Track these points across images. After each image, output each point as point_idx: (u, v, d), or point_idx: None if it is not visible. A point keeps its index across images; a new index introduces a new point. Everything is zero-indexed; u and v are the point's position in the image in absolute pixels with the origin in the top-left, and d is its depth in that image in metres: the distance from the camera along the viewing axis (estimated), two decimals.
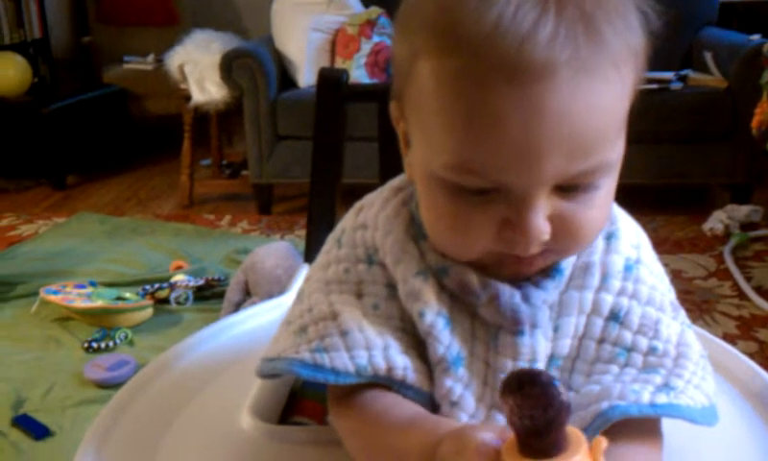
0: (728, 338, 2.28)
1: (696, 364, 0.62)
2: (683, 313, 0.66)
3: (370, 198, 0.68)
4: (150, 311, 2.42)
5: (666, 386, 0.59)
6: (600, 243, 0.64)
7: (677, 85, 3.28)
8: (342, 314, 0.61)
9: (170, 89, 3.61)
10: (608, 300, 0.62)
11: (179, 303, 2.50)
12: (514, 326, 0.60)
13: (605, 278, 0.63)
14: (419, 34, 0.54)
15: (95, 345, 2.22)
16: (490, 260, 0.58)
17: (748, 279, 2.66)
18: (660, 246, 2.96)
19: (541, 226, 0.53)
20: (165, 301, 2.50)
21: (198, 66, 3.40)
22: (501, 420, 0.60)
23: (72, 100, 3.95)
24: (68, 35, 4.53)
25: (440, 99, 0.53)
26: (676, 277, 2.71)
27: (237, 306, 2.26)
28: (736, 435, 0.75)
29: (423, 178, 0.57)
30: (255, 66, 3.27)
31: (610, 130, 0.53)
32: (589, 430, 0.56)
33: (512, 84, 0.49)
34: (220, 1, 4.75)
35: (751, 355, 2.17)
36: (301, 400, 0.81)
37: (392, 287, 0.62)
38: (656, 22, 0.57)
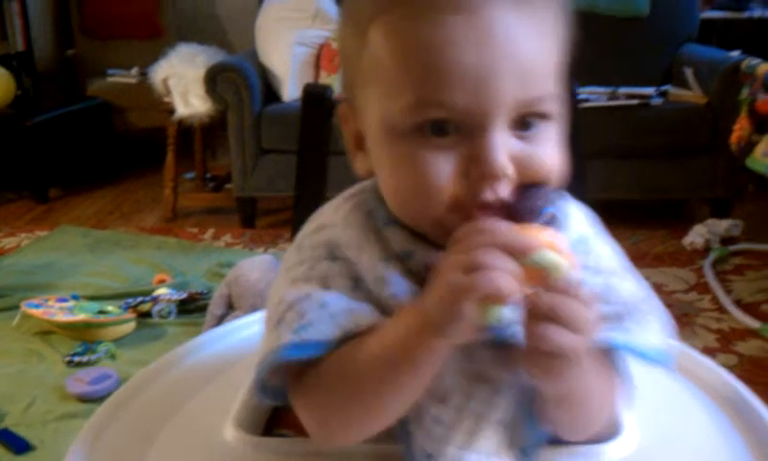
0: (708, 351, 2.30)
1: (649, 313, 0.66)
2: (635, 275, 0.69)
3: (323, 208, 0.69)
4: (132, 325, 2.41)
5: (621, 328, 0.63)
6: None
7: (657, 101, 3.31)
8: (315, 293, 0.62)
9: (154, 103, 3.61)
10: None
11: (161, 316, 2.49)
12: None
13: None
14: (365, 8, 0.59)
15: (77, 359, 2.21)
16: (454, 224, 0.57)
17: (728, 293, 2.68)
18: (641, 260, 2.99)
19: (503, 157, 0.56)
20: (148, 314, 2.49)
21: (182, 80, 3.40)
22: (482, 390, 0.62)
23: (55, 113, 3.94)
24: (52, 47, 4.52)
25: (395, 49, 0.57)
26: (656, 290, 2.68)
27: (220, 320, 2.26)
28: (711, 444, 0.76)
29: (384, 138, 0.59)
30: (240, 80, 3.28)
31: (551, 65, 0.59)
32: None
33: (460, 13, 0.54)
34: (204, 15, 4.76)
35: (730, 369, 2.18)
36: (285, 411, 0.82)
37: (355, 280, 0.63)
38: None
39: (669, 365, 0.65)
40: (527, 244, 0.53)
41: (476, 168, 0.56)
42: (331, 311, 0.60)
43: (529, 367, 0.56)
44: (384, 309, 0.61)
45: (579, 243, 0.66)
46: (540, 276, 0.53)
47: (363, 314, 0.61)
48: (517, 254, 0.52)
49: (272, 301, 0.65)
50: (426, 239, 0.61)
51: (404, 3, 0.57)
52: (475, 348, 0.61)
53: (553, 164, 0.60)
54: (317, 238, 0.66)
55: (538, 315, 0.53)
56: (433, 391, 0.61)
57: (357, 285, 0.63)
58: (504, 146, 0.56)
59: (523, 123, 0.58)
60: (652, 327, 0.65)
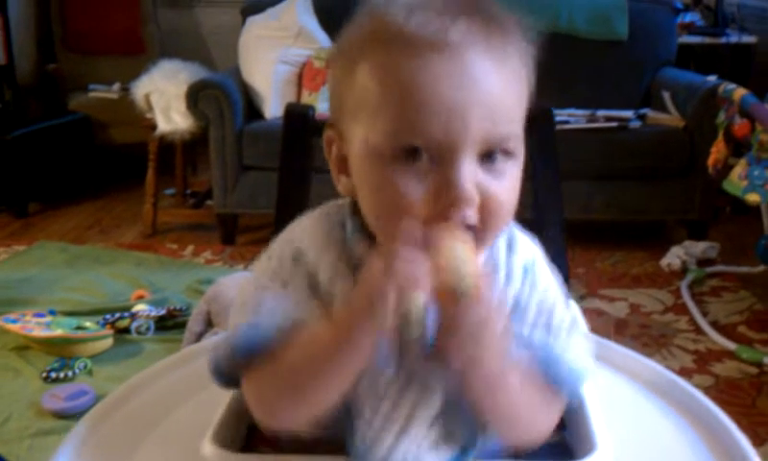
0: (684, 372, 2.32)
1: (577, 337, 0.73)
2: (574, 308, 0.77)
3: (298, 219, 0.76)
4: (110, 341, 2.39)
5: (548, 343, 0.71)
6: (503, 247, 0.74)
7: (636, 124, 3.35)
8: (273, 290, 0.70)
9: (135, 118, 3.60)
10: (510, 294, 0.72)
11: (139, 332, 2.48)
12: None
13: (508, 275, 0.73)
14: (354, 48, 0.66)
15: (54, 374, 2.19)
16: None
17: (704, 314, 2.71)
18: (619, 281, 3.01)
19: (470, 185, 0.62)
20: (126, 330, 2.48)
21: (164, 96, 3.40)
22: (414, 388, 0.69)
23: (36, 127, 3.92)
24: (34, 61, 4.50)
25: (380, 81, 0.63)
26: (634, 311, 2.75)
27: (199, 337, 2.25)
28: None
29: (365, 161, 0.65)
30: (222, 97, 3.28)
31: (518, 108, 0.66)
32: None
33: (439, 54, 0.62)
34: (187, 32, 4.78)
35: (706, 389, 2.21)
36: (263, 429, 0.82)
37: (313, 283, 0.70)
38: (534, 47, 0.68)
39: (580, 386, 0.73)
40: (439, 241, 0.60)
41: (446, 192, 0.62)
42: (283, 306, 0.68)
43: (446, 349, 0.63)
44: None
45: (525, 267, 0.74)
46: (449, 269, 0.59)
47: (311, 310, 0.68)
48: (430, 247, 0.60)
49: (236, 302, 0.72)
50: None
51: (390, 42, 0.63)
52: (408, 351, 0.68)
53: (511, 197, 0.66)
54: (285, 248, 0.73)
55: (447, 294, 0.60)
56: (372, 386, 0.69)
57: (315, 288, 0.70)
58: (471, 175, 0.62)
59: (489, 157, 0.64)
60: (577, 350, 0.73)
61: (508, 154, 0.65)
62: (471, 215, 0.63)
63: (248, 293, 0.71)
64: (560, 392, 0.72)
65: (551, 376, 0.71)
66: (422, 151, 0.62)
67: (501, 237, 0.74)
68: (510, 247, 0.74)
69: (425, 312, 0.59)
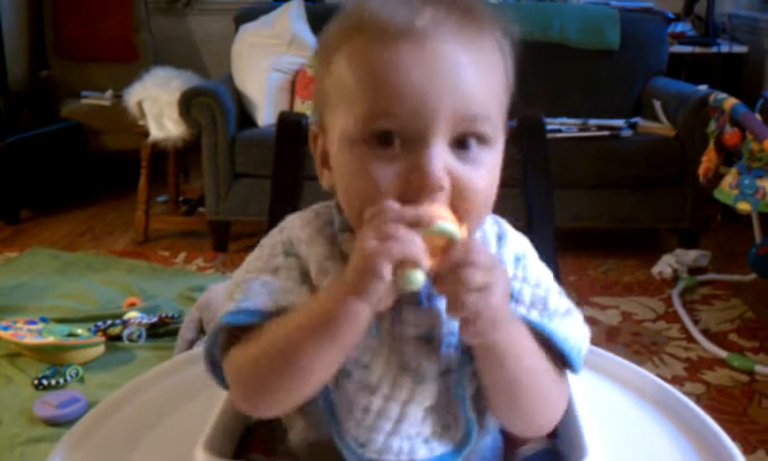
0: (676, 380, 2.32)
1: (579, 323, 0.74)
2: (568, 300, 0.76)
3: (292, 214, 0.78)
4: (101, 348, 2.39)
5: (548, 319, 0.72)
6: (493, 241, 0.75)
7: (627, 133, 3.36)
8: (261, 276, 0.70)
9: (128, 125, 3.60)
10: None
11: (131, 340, 2.47)
12: (412, 297, 0.68)
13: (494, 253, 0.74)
14: (331, 43, 0.69)
15: (45, 382, 2.18)
16: None
17: (696, 322, 2.72)
18: (611, 289, 3.02)
19: (439, 170, 0.63)
20: (117, 338, 2.47)
21: (156, 103, 3.40)
22: (407, 380, 0.69)
23: (28, 134, 3.91)
24: (26, 68, 4.49)
25: (354, 68, 0.65)
26: (626, 319, 2.76)
27: (191, 344, 2.25)
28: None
29: (341, 147, 0.67)
30: (214, 104, 3.28)
31: (492, 95, 0.67)
32: None
33: (410, 41, 0.63)
34: (180, 39, 4.78)
35: (698, 397, 2.22)
36: (255, 435, 0.82)
37: (304, 275, 0.71)
38: (511, 41, 0.70)
39: (579, 365, 0.73)
40: (427, 217, 0.61)
41: (415, 178, 0.63)
42: (270, 289, 0.69)
43: (459, 315, 0.63)
44: None
45: (517, 259, 0.75)
46: (441, 242, 0.61)
47: (299, 295, 0.69)
48: (420, 225, 0.61)
49: (228, 287, 0.73)
50: None
51: (364, 31, 0.65)
52: (399, 341, 0.69)
53: (486, 186, 0.67)
54: (277, 238, 0.74)
55: (450, 267, 0.61)
56: (362, 383, 0.68)
57: (305, 281, 0.70)
58: (441, 160, 0.63)
59: (462, 144, 0.65)
60: (576, 330, 0.74)
61: (482, 140, 0.66)
62: (441, 201, 0.64)
63: (238, 278, 0.72)
64: (564, 368, 0.73)
65: (554, 352, 0.71)
66: (394, 136, 0.64)
67: (491, 231, 0.76)
68: (500, 240, 0.76)
69: (424, 284, 0.61)
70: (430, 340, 0.69)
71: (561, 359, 0.72)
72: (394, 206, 0.61)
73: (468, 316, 0.62)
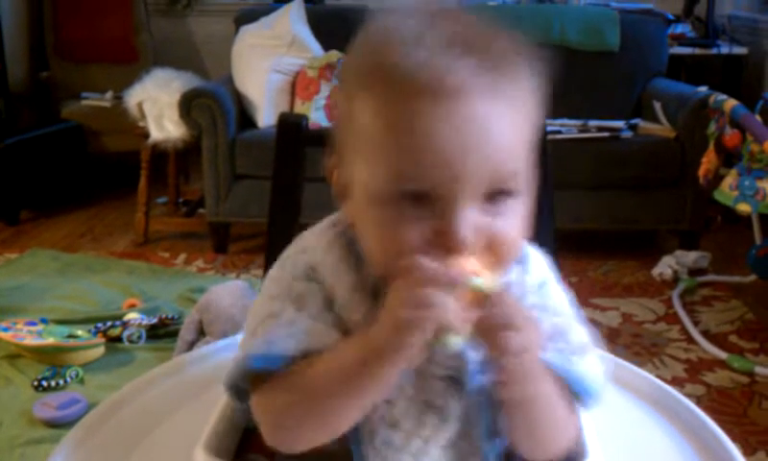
0: (676, 381, 2.33)
1: (592, 356, 0.73)
2: (584, 328, 0.75)
3: (310, 230, 0.75)
4: (101, 349, 2.39)
5: (568, 359, 0.71)
6: (514, 266, 0.72)
7: (627, 134, 3.37)
8: (285, 311, 0.68)
9: (128, 126, 3.60)
10: None
11: (131, 341, 2.47)
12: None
13: (521, 295, 0.72)
14: (353, 79, 0.65)
15: (45, 383, 2.18)
16: None
17: (696, 324, 2.72)
18: (611, 290, 3.02)
19: (466, 232, 0.61)
20: (117, 339, 2.48)
21: (157, 104, 3.40)
22: (431, 417, 0.69)
23: (29, 135, 3.91)
24: (26, 69, 4.49)
25: (378, 126, 0.61)
26: (626, 320, 2.76)
27: (191, 346, 2.25)
28: None
29: (364, 202, 0.64)
30: (215, 106, 3.28)
31: (523, 147, 0.64)
32: None
33: (439, 101, 0.59)
34: (180, 40, 4.78)
35: (698, 398, 2.22)
36: (255, 436, 0.82)
37: (329, 302, 0.69)
38: (543, 75, 0.66)
39: (590, 405, 0.73)
40: (461, 277, 0.59)
41: (444, 239, 0.61)
42: (296, 330, 0.66)
43: (496, 374, 0.63)
44: (349, 333, 0.67)
45: (539, 286, 0.74)
46: (474, 295, 0.60)
47: (324, 335, 0.66)
48: (454, 286, 0.59)
49: (252, 312, 0.71)
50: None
51: (388, 79, 0.61)
52: (426, 379, 0.68)
53: (517, 237, 0.65)
54: (299, 259, 0.71)
55: (487, 330, 0.61)
56: (385, 417, 0.68)
57: (329, 307, 0.68)
58: (470, 221, 0.61)
59: (492, 198, 0.62)
60: (593, 368, 0.73)
61: (511, 194, 0.63)
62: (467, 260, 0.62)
63: (262, 311, 0.69)
64: (577, 405, 0.73)
65: (570, 389, 0.71)
66: (421, 196, 0.61)
67: None
68: (523, 264, 0.74)
69: (461, 345, 0.60)
70: (456, 380, 0.69)
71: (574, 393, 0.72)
72: (427, 264, 0.59)
73: (505, 378, 0.62)
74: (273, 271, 0.73)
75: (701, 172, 2.78)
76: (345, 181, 0.68)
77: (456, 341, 0.59)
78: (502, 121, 0.61)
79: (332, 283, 0.69)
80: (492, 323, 0.60)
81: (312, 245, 0.72)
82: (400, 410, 0.68)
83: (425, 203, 0.61)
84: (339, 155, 0.69)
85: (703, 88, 3.30)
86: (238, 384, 0.70)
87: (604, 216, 3.34)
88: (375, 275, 0.67)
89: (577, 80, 3.64)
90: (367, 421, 0.68)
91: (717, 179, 2.70)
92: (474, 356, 0.68)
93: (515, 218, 0.64)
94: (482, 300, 0.60)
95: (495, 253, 0.63)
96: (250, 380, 0.68)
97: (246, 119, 3.51)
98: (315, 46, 3.65)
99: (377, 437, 0.69)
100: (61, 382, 2.20)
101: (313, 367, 0.65)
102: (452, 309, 0.58)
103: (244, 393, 0.70)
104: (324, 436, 0.66)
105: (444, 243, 0.61)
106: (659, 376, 0.98)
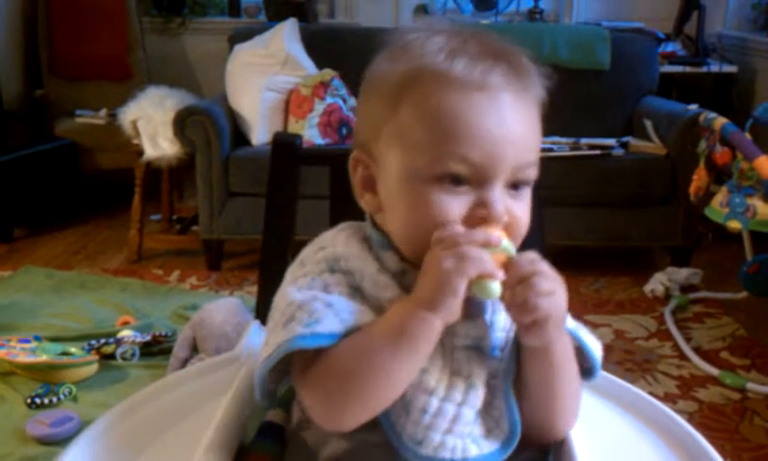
0: (668, 397, 2.33)
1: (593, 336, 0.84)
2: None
3: (321, 236, 0.83)
4: (95, 367, 2.38)
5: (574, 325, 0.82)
6: None
7: (618, 152, 3.39)
8: (319, 295, 0.74)
9: (122, 144, 3.60)
10: None
11: (125, 358, 2.47)
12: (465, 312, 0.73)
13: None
14: (396, 85, 0.74)
15: (38, 400, 2.18)
16: None
17: (688, 340, 2.73)
18: (603, 306, 3.03)
19: (502, 208, 0.72)
20: (111, 356, 2.47)
21: (151, 122, 3.41)
22: (460, 384, 0.76)
23: (23, 152, 3.91)
24: (20, 87, 4.50)
25: (427, 113, 0.72)
26: (618, 337, 2.77)
27: (184, 363, 2.25)
28: None
29: (403, 186, 0.74)
30: (209, 123, 3.29)
31: (538, 143, 0.77)
32: None
33: (484, 95, 0.72)
34: (174, 58, 4.80)
35: (690, 415, 2.23)
36: (250, 455, 0.83)
37: (354, 288, 0.76)
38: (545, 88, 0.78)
39: (598, 372, 0.84)
40: (495, 237, 0.71)
41: (481, 209, 0.72)
42: (336, 309, 0.73)
43: (522, 333, 0.73)
44: (381, 311, 0.74)
45: None
46: (502, 258, 0.71)
47: (363, 314, 0.74)
48: (489, 245, 0.70)
49: (279, 306, 0.76)
50: (414, 264, 0.75)
51: (437, 82, 0.72)
52: (452, 351, 0.75)
53: (528, 218, 0.77)
54: (319, 255, 0.79)
55: (520, 278, 0.71)
56: (421, 385, 0.74)
57: (355, 294, 0.76)
58: (502, 199, 0.73)
59: (514, 185, 0.74)
60: (593, 341, 0.84)
61: (527, 183, 0.76)
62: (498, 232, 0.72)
63: (292, 297, 0.75)
64: (583, 375, 0.82)
65: (579, 353, 0.81)
66: (463, 176, 0.72)
67: None
68: None
69: (499, 292, 0.70)
70: (479, 349, 0.76)
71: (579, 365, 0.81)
72: (463, 229, 0.71)
73: (540, 318, 0.71)
74: (292, 270, 0.80)
75: (692, 189, 2.80)
76: (371, 176, 0.78)
77: (495, 287, 0.69)
78: (528, 117, 0.74)
79: (359, 268, 0.76)
80: (524, 271, 0.70)
81: (329, 242, 0.80)
82: (435, 378, 0.74)
83: (463, 182, 0.72)
84: (367, 149, 0.78)
85: (693, 106, 3.32)
86: (267, 380, 0.75)
87: (596, 233, 3.36)
88: (406, 253, 0.76)
89: (568, 98, 3.66)
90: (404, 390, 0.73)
91: (708, 196, 2.72)
92: (495, 324, 0.78)
93: (526, 202, 0.76)
94: (507, 261, 0.71)
95: (512, 231, 0.74)
96: (296, 364, 0.74)
97: (240, 137, 3.52)
98: (309, 64, 3.66)
99: (413, 407, 0.74)
100: (55, 400, 2.20)
101: (362, 338, 0.71)
102: (489, 260, 0.69)
103: (269, 391, 0.77)
104: (376, 407, 0.72)
105: (483, 215, 0.72)
106: (651, 393, 0.99)
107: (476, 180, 0.72)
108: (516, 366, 0.78)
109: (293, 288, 0.76)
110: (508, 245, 0.71)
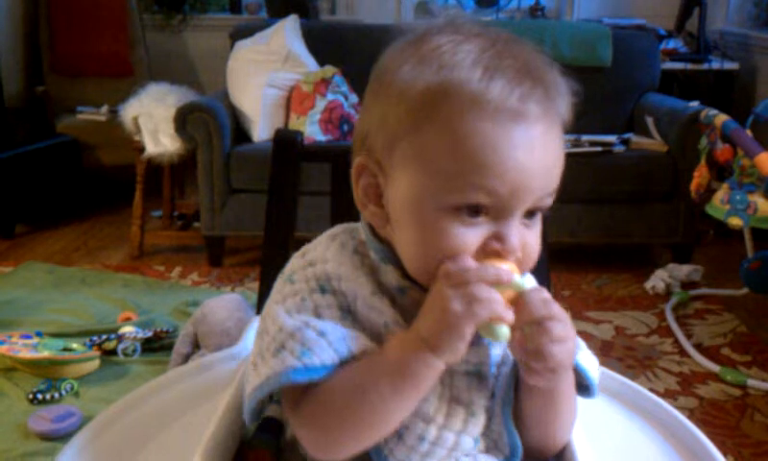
0: (669, 394, 2.34)
1: (591, 354, 0.80)
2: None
3: (312, 244, 0.78)
4: (97, 362, 2.39)
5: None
6: None
7: (620, 148, 3.38)
8: (311, 322, 0.70)
9: (123, 141, 3.60)
10: None
11: (126, 354, 2.48)
12: None
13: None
14: (420, 102, 0.67)
15: (40, 396, 2.18)
16: None
17: (688, 337, 2.73)
18: (604, 303, 3.03)
19: (518, 241, 0.68)
20: (112, 352, 2.48)
21: (152, 119, 3.41)
22: (459, 412, 0.73)
23: (24, 149, 3.91)
24: (22, 84, 4.50)
25: (454, 145, 0.66)
26: (619, 333, 2.77)
27: (186, 359, 2.26)
28: None
29: (417, 211, 0.68)
30: (210, 120, 3.29)
31: (561, 167, 0.71)
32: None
33: (519, 125, 0.66)
34: (176, 55, 4.80)
35: (691, 411, 2.23)
36: (250, 450, 0.83)
37: (345, 310, 0.72)
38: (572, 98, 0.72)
39: (596, 392, 0.79)
40: (506, 275, 0.66)
41: (496, 243, 0.68)
42: (329, 339, 0.69)
43: (529, 374, 0.70)
44: (374, 336, 0.71)
45: None
46: (511, 294, 0.67)
47: (356, 342, 0.70)
48: (500, 284, 0.66)
49: (268, 330, 0.72)
50: (416, 282, 0.71)
51: (470, 107, 0.66)
52: (451, 376, 0.72)
53: (539, 247, 0.73)
54: (309, 272, 0.74)
55: (532, 321, 0.67)
56: (419, 413, 0.71)
57: (346, 316, 0.72)
58: (519, 230, 0.69)
59: (531, 213, 0.70)
60: (591, 362, 0.80)
61: (544, 210, 0.72)
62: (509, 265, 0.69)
63: (282, 323, 0.71)
64: (579, 392, 0.79)
65: (577, 379, 0.77)
66: (483, 207, 0.67)
67: None
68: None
69: (508, 336, 0.66)
70: (479, 374, 0.74)
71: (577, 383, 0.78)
72: (473, 264, 0.66)
73: (553, 366, 0.67)
74: (279, 288, 0.75)
75: (693, 186, 2.79)
76: (378, 186, 0.72)
77: (505, 331, 0.65)
78: (557, 146, 0.70)
79: (352, 290, 0.72)
80: (538, 313, 0.67)
81: (320, 257, 0.75)
82: (433, 406, 0.72)
83: (482, 213, 0.67)
84: (376, 158, 0.72)
85: (694, 103, 3.32)
86: (260, 409, 0.73)
87: (597, 230, 3.36)
88: (411, 273, 0.71)
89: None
90: None
91: (709, 193, 2.72)
92: (496, 350, 0.74)
93: (538, 231, 0.72)
94: (516, 296, 0.67)
95: (524, 261, 0.70)
96: (286, 394, 0.71)
97: (241, 133, 3.52)
98: (310, 61, 3.66)
99: (409, 433, 0.72)
100: (57, 395, 2.20)
101: (358, 370, 0.68)
102: (501, 301, 0.65)
103: (259, 413, 0.73)
104: (372, 440, 0.69)
105: (497, 249, 0.67)
106: (651, 389, 0.99)
107: (496, 211, 0.67)
108: (514, 393, 0.76)
109: (282, 310, 0.72)
110: (519, 280, 0.67)
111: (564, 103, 0.70)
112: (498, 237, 0.67)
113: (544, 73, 0.69)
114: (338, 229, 0.78)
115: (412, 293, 0.71)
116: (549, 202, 0.71)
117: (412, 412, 0.69)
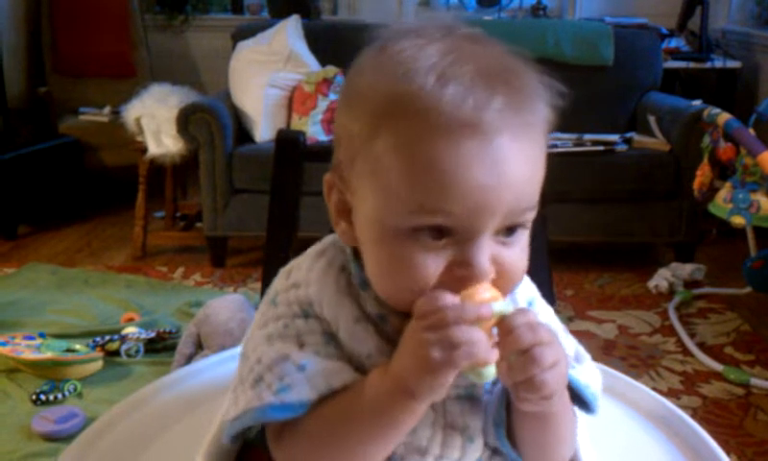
0: (672, 393, 2.33)
1: (589, 367, 0.75)
2: (572, 338, 0.76)
3: (297, 262, 0.73)
4: (100, 363, 2.39)
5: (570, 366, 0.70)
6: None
7: (622, 147, 3.38)
8: (292, 354, 0.66)
9: (126, 141, 3.61)
10: None
11: (129, 355, 2.48)
12: None
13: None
14: (372, 106, 0.62)
15: (43, 397, 2.19)
16: None
17: (691, 336, 2.73)
18: (607, 302, 3.03)
19: (486, 262, 0.62)
20: (116, 353, 2.48)
21: (155, 119, 3.41)
22: (456, 439, 0.68)
23: (26, 150, 3.92)
24: (24, 85, 4.51)
25: (404, 160, 0.60)
26: (622, 332, 2.77)
27: (189, 359, 2.26)
28: None
29: (376, 232, 0.63)
30: (212, 120, 3.30)
31: (538, 180, 0.64)
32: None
33: (477, 140, 0.59)
34: (178, 56, 4.80)
35: (694, 410, 2.23)
36: (253, 449, 0.83)
37: (328, 335, 0.67)
38: (556, 100, 0.66)
39: (597, 410, 0.73)
40: (487, 311, 0.60)
41: (462, 269, 0.61)
42: (308, 374, 0.65)
43: (520, 402, 0.63)
44: (357, 366, 0.67)
45: (529, 304, 0.75)
46: (492, 321, 0.61)
47: (337, 375, 0.65)
48: (481, 321, 0.60)
49: (248, 357, 0.69)
50: (393, 311, 0.66)
51: (420, 116, 0.59)
52: (446, 403, 0.68)
53: (524, 260, 0.66)
54: (292, 295, 0.70)
55: (518, 350, 0.61)
56: (412, 445, 0.67)
57: (330, 341, 0.67)
58: (488, 251, 0.62)
59: (506, 230, 0.63)
60: (592, 376, 0.74)
61: (524, 226, 0.65)
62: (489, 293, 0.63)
63: (262, 353, 0.68)
64: (578, 415, 0.74)
65: (574, 397, 0.72)
66: (445, 229, 0.61)
67: None
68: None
69: (494, 374, 0.61)
70: (471, 397, 0.69)
71: (575, 398, 0.73)
72: (451, 302, 0.60)
73: (547, 394, 0.61)
74: (263, 310, 0.71)
75: (695, 185, 2.79)
76: (346, 203, 0.67)
77: (490, 371, 0.60)
78: (526, 159, 0.62)
79: (334, 317, 0.67)
80: (525, 342, 0.60)
81: (304, 280, 0.70)
82: (426, 436, 0.68)
83: (444, 235, 0.61)
84: (342, 177, 0.67)
85: (697, 102, 3.31)
86: (240, 437, 0.69)
87: (599, 229, 3.36)
88: (383, 299, 0.66)
89: (572, 94, 3.65)
90: (394, 453, 0.67)
91: (712, 192, 2.72)
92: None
93: (522, 246, 0.65)
94: (498, 321, 0.61)
95: (504, 280, 0.64)
96: (268, 426, 0.68)
97: (243, 134, 3.52)
98: (312, 61, 3.66)
99: None
100: (60, 396, 2.20)
101: (337, 408, 0.64)
102: (483, 342, 0.59)
103: (240, 436, 0.70)
104: None
105: (465, 274, 0.61)
106: (655, 389, 0.99)
107: (459, 233, 0.61)
108: (507, 414, 0.71)
109: (263, 337, 0.68)
110: (501, 307, 0.61)
111: (539, 107, 0.63)
112: (463, 263, 0.61)
113: (511, 76, 0.62)
114: (327, 241, 0.73)
115: (392, 320, 0.66)
116: (530, 216, 0.64)
117: (406, 444, 0.67)
